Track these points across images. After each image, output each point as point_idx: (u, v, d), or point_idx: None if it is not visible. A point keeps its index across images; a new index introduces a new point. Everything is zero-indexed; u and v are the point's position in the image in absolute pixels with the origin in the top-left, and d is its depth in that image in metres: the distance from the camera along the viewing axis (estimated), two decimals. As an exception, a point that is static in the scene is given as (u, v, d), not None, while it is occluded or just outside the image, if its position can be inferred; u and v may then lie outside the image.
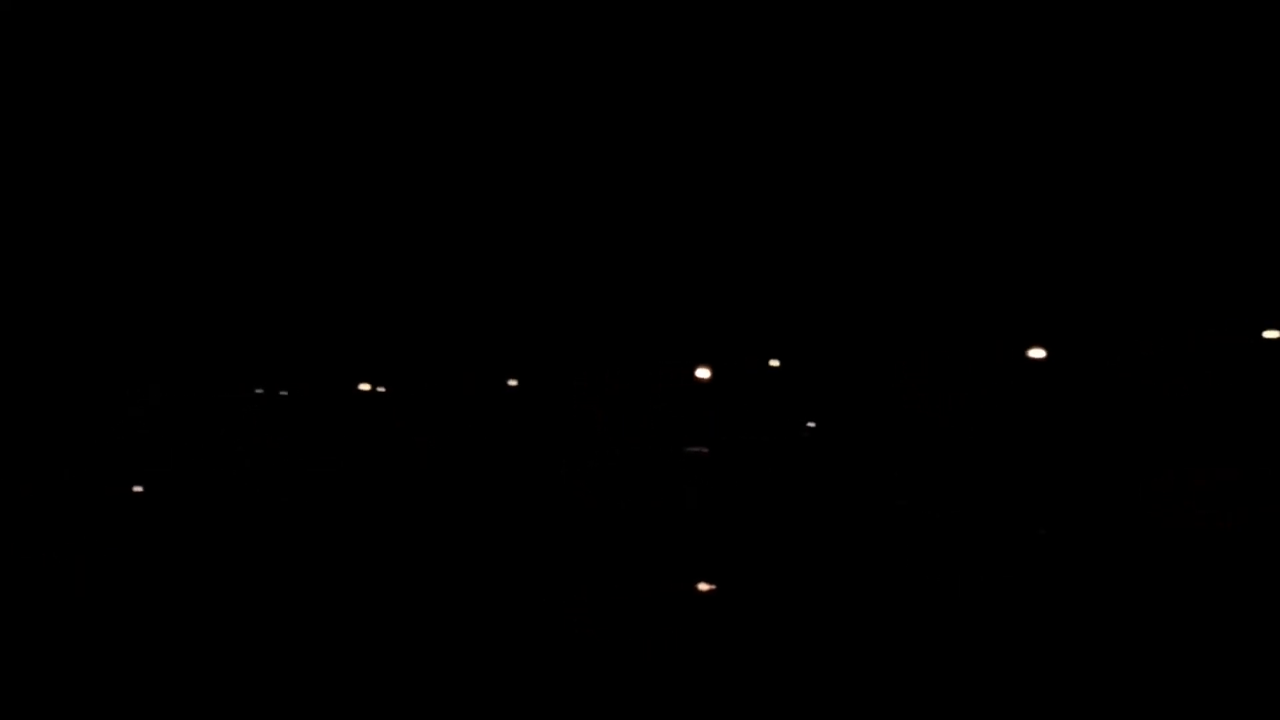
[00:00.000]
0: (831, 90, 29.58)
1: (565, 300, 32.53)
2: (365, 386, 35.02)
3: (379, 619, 14.76)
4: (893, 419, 29.60)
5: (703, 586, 17.04)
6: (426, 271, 33.30)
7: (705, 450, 28.24)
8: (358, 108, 32.06)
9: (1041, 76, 28.13)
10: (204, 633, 13.82)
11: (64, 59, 31.84)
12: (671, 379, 32.18)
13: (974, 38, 28.27)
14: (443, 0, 30.68)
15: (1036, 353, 28.53)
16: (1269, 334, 26.43)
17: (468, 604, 15.90)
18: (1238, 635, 13.98)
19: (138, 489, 29.27)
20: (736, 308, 31.20)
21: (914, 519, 24.33)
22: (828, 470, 27.78)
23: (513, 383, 34.06)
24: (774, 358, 30.85)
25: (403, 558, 20.33)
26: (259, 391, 33.88)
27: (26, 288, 33.60)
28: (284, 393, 33.96)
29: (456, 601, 16.07)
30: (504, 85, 31.30)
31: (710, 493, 27.55)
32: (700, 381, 29.20)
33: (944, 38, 28.38)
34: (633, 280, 31.84)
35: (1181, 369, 27.00)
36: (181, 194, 33.09)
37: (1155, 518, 22.75)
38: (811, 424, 30.17)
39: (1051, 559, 19.94)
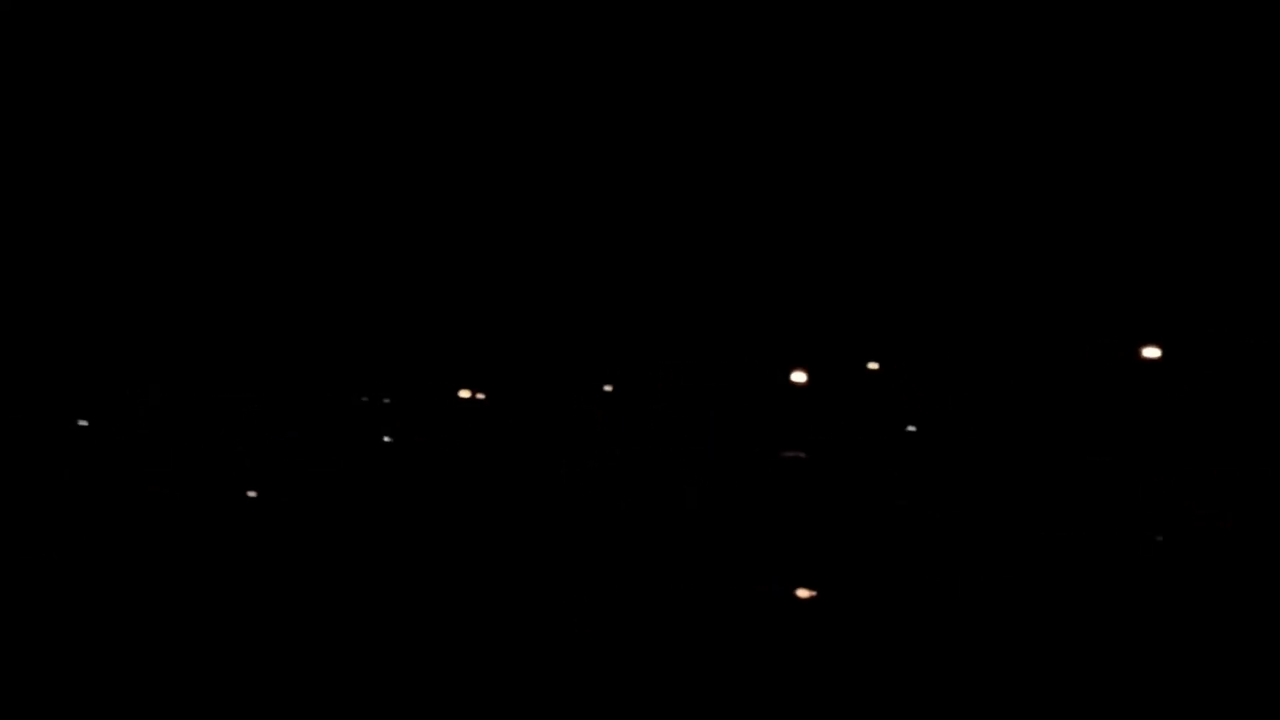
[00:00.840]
0: (826, 92, 29.57)
1: (566, 301, 32.54)
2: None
3: (379, 619, 14.76)
4: (893, 419, 29.59)
5: (803, 593, 16.96)
6: (427, 273, 33.30)
7: (802, 454, 27.98)
8: (352, 106, 32.05)
9: (1041, 80, 28.13)
10: (204, 633, 13.82)
11: (64, 59, 31.83)
12: (671, 379, 32.18)
13: (978, 40, 28.27)
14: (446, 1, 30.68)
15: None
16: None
17: (468, 604, 15.89)
18: (1238, 635, 13.98)
19: (251, 494, 29.13)
20: (737, 308, 31.20)
21: (914, 519, 24.32)
22: (828, 471, 27.78)
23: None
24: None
25: (403, 558, 20.32)
26: (364, 399, 33.68)
27: (26, 288, 33.61)
28: (367, 398, 33.73)
29: (457, 601, 16.07)
30: (508, 90, 31.30)
31: (712, 493, 27.55)
32: (797, 385, 28.98)
33: (949, 41, 28.39)
34: (632, 282, 31.84)
35: (1181, 369, 27.00)
36: (180, 196, 33.09)
37: (1155, 518, 22.74)
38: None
39: (1052, 559, 19.94)
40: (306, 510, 27.16)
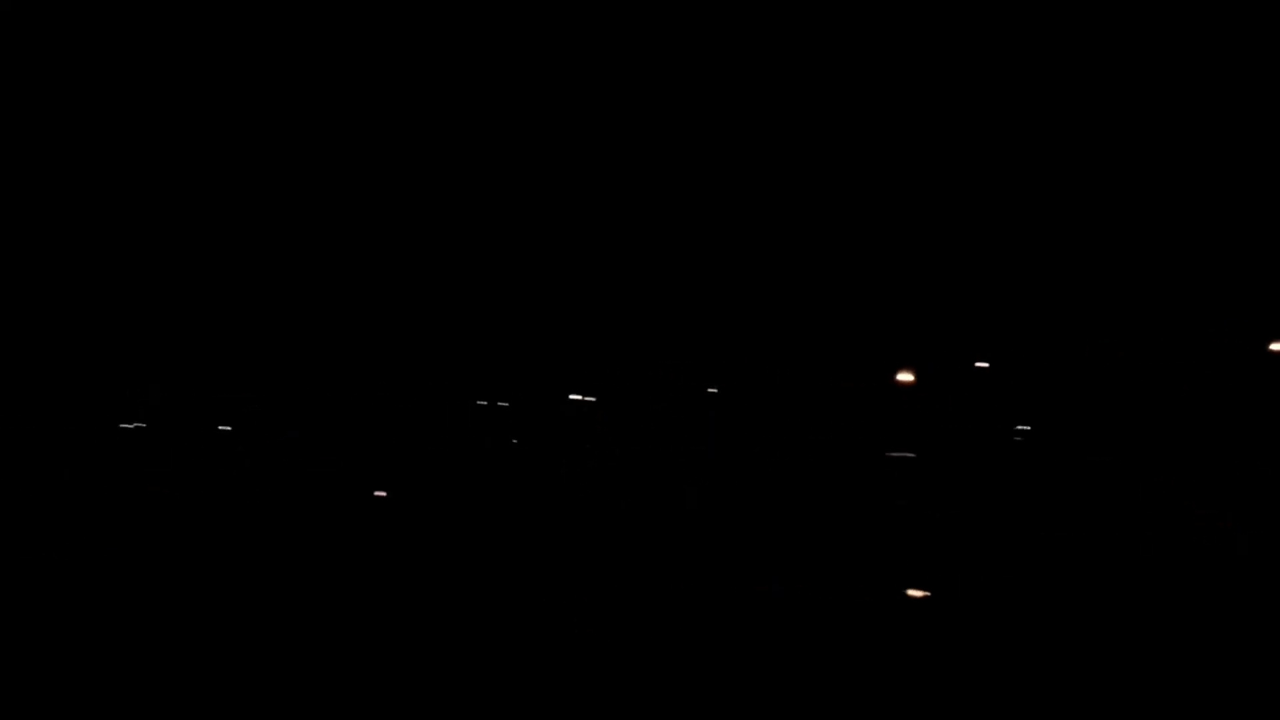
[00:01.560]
0: (820, 90, 29.58)
1: (566, 301, 32.55)
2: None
3: (380, 618, 14.77)
4: (892, 420, 29.62)
5: (914, 593, 16.92)
6: (429, 272, 33.31)
7: (911, 455, 27.83)
8: (349, 107, 32.07)
9: (1038, 82, 28.14)
10: (204, 633, 13.82)
11: (64, 59, 31.84)
12: (671, 379, 32.19)
13: (980, 43, 28.28)
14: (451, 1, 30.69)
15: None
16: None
17: (468, 603, 15.90)
18: (1238, 635, 13.98)
19: (380, 493, 29.13)
20: (738, 309, 31.21)
21: (914, 519, 24.34)
22: (831, 471, 27.80)
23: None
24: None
25: (404, 557, 20.33)
26: (482, 403, 33.66)
27: (26, 287, 33.63)
28: (488, 402, 33.61)
29: (457, 601, 16.07)
30: (508, 91, 31.32)
31: (712, 493, 27.57)
32: (904, 385, 28.81)
33: (953, 44, 28.40)
34: (633, 283, 31.86)
35: (1182, 371, 27.02)
36: (180, 196, 33.11)
37: (1155, 518, 22.76)
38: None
39: (1052, 559, 19.95)
40: (305, 510, 27.17)
